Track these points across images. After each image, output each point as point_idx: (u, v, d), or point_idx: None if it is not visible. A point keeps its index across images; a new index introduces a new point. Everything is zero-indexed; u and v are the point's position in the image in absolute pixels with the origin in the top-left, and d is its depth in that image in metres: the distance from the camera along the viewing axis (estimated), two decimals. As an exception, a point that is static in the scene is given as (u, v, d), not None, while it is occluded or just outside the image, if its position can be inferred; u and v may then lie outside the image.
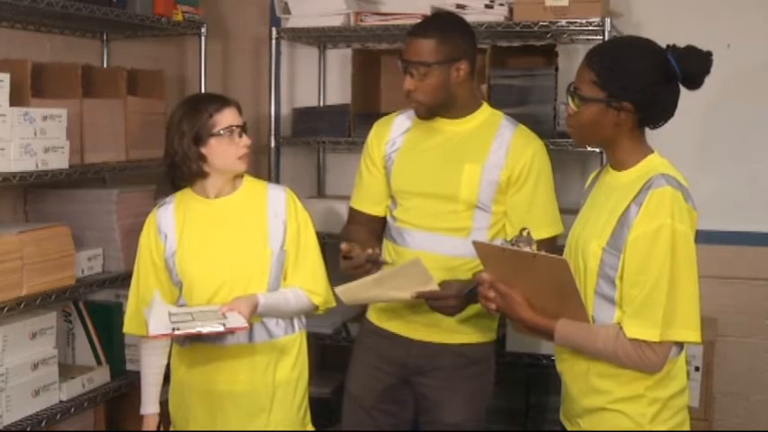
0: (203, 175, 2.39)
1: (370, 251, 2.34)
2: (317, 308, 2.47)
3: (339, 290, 2.33)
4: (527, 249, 1.95)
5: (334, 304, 2.49)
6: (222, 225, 2.41)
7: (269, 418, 2.40)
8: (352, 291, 2.34)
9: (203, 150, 2.35)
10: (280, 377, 2.40)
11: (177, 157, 2.36)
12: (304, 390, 2.50)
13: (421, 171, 2.51)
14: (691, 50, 1.92)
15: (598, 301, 1.93)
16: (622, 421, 1.94)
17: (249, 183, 2.47)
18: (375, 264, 2.36)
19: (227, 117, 2.36)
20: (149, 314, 2.23)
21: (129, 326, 2.48)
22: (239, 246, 2.39)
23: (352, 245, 2.37)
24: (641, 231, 1.85)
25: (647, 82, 1.90)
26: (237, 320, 2.18)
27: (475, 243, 2.05)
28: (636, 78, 1.90)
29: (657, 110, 1.94)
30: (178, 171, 2.39)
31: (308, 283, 2.44)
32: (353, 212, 2.68)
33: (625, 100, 1.91)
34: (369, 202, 2.64)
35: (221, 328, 2.16)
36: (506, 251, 1.98)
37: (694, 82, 1.93)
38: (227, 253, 2.39)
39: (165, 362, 2.48)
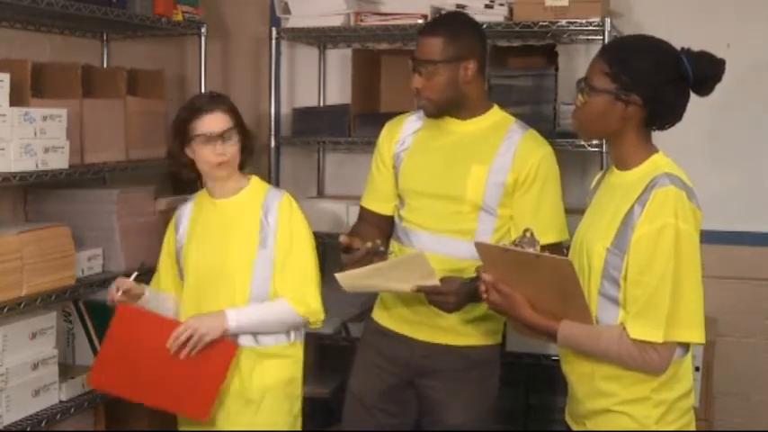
0: (197, 175, 2.48)
1: (369, 244, 2.32)
2: (307, 320, 2.47)
3: (339, 276, 2.32)
4: (530, 250, 1.94)
5: (321, 317, 2.49)
6: (221, 226, 2.46)
7: (254, 420, 2.42)
8: (353, 278, 2.33)
9: (189, 152, 2.44)
10: (268, 382, 2.43)
11: (170, 157, 2.50)
12: (294, 397, 2.51)
13: (428, 171, 2.51)
14: (704, 55, 1.93)
15: (602, 302, 1.93)
16: (627, 423, 1.93)
17: (254, 185, 2.51)
18: (377, 255, 2.34)
19: (206, 123, 2.40)
20: None
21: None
22: (229, 246, 2.44)
23: (352, 238, 2.37)
24: (645, 231, 1.85)
25: (658, 78, 1.91)
26: None
27: (477, 244, 2.04)
28: (647, 73, 1.91)
29: (664, 109, 1.94)
30: (176, 171, 2.52)
31: (295, 291, 2.43)
32: (363, 211, 2.69)
33: (634, 93, 1.91)
34: (378, 200, 2.64)
35: None
36: (509, 252, 1.96)
37: (705, 87, 1.94)
38: (218, 253, 2.44)
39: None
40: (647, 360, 1.86)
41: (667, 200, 1.84)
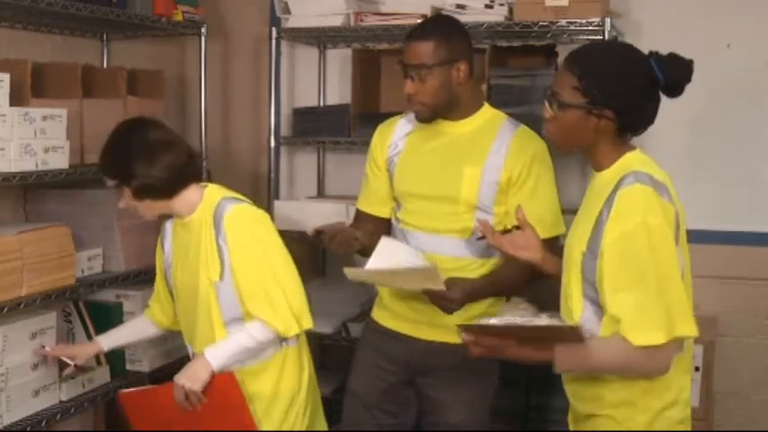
0: None
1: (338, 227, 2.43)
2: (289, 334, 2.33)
3: (347, 270, 2.31)
4: (530, 319, 1.85)
5: (308, 326, 2.36)
6: (191, 245, 2.38)
7: None
8: (361, 274, 2.36)
9: None
10: (254, 391, 2.36)
11: None
12: (286, 405, 2.42)
13: (422, 173, 2.51)
14: (673, 58, 1.89)
15: (586, 304, 1.91)
16: (613, 427, 1.90)
17: (206, 199, 2.37)
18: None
19: None
20: None
21: (148, 311, 2.64)
22: (198, 267, 2.35)
23: (321, 227, 2.43)
24: (616, 234, 1.81)
25: (630, 89, 1.87)
26: None
27: (462, 327, 1.90)
28: (618, 85, 1.87)
29: (638, 117, 1.92)
30: None
31: (266, 311, 2.30)
32: (360, 214, 2.70)
33: (606, 107, 1.87)
34: (374, 203, 2.65)
35: None
36: (510, 328, 1.86)
37: (675, 90, 1.91)
38: (192, 274, 2.37)
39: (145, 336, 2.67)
40: (654, 364, 1.83)
41: (633, 199, 1.81)
